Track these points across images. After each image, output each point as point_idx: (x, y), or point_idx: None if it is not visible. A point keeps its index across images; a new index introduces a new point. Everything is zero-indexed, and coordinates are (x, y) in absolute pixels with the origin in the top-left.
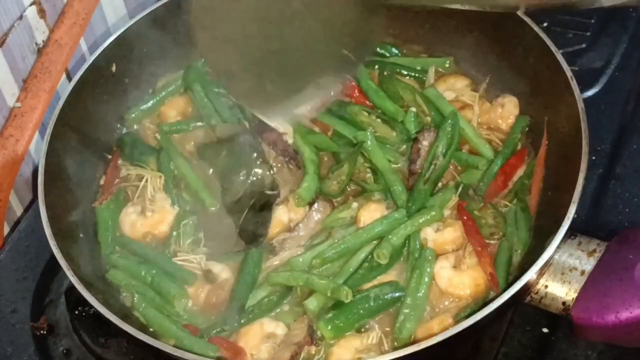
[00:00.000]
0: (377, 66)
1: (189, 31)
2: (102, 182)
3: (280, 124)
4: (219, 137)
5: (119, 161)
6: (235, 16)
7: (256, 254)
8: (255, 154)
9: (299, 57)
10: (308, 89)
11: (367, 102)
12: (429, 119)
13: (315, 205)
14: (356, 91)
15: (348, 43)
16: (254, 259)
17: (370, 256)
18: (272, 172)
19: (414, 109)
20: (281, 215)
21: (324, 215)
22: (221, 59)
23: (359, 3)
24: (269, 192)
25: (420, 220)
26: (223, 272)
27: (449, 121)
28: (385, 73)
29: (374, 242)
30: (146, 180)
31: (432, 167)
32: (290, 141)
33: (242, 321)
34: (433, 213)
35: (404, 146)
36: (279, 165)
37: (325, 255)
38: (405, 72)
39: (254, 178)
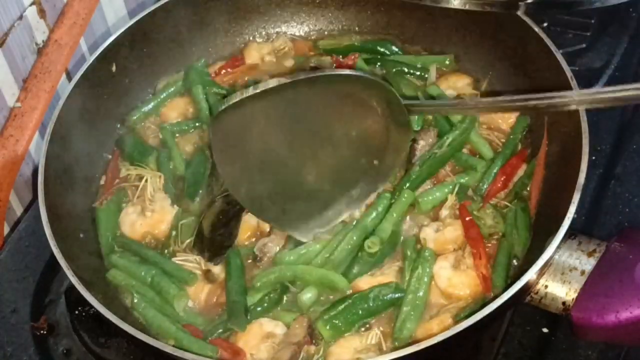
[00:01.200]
0: (378, 64)
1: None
2: (102, 182)
3: (307, 238)
4: (206, 143)
5: (119, 161)
6: (257, 142)
7: (235, 257)
8: None
9: (329, 176)
10: (339, 203)
11: None
12: (430, 117)
13: None
14: None
15: (378, 153)
16: (236, 264)
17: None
18: None
19: None
20: (250, 219)
21: None
22: (248, 189)
23: (390, 116)
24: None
25: (397, 207)
26: (223, 272)
27: (468, 117)
28: (387, 70)
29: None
30: (146, 180)
31: (433, 155)
32: None
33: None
34: (406, 195)
35: None
36: None
37: (313, 254)
38: (407, 70)
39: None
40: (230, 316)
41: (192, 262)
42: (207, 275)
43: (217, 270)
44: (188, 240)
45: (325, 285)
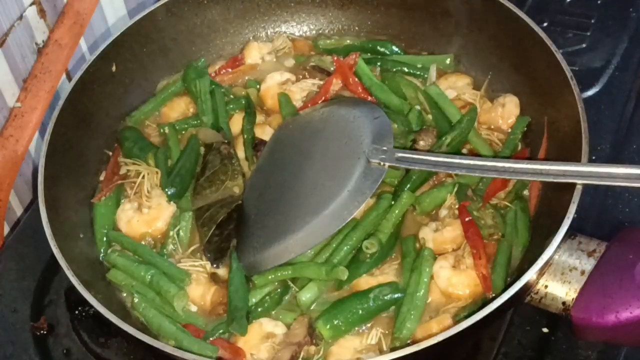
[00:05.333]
0: (378, 64)
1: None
2: (101, 178)
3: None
4: (201, 140)
5: (120, 157)
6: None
7: (238, 261)
8: (230, 166)
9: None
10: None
11: (370, 98)
12: (430, 117)
13: None
14: (359, 88)
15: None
16: (238, 268)
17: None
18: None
19: (418, 107)
20: None
21: None
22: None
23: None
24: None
25: (397, 208)
26: (227, 273)
27: (467, 117)
28: (387, 70)
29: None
30: (143, 177)
31: None
32: None
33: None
34: (406, 197)
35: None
36: None
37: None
38: (407, 70)
39: (225, 189)
40: (232, 321)
41: (197, 267)
42: (214, 277)
43: (222, 272)
44: (194, 247)
45: (326, 276)
